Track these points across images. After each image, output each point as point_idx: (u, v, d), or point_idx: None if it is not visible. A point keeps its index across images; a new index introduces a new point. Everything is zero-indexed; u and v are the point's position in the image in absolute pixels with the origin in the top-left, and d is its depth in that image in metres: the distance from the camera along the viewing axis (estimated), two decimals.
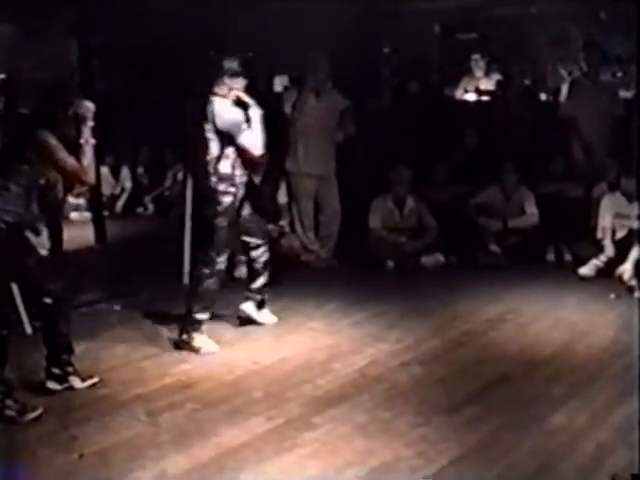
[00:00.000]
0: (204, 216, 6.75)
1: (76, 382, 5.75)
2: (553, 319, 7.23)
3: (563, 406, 5.37)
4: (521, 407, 5.39)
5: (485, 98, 11.65)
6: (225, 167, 6.59)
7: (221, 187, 6.60)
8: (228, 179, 6.59)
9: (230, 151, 6.57)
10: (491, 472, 4.53)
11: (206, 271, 6.62)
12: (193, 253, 7.80)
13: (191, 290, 6.76)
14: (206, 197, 6.72)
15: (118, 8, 10.09)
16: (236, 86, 6.63)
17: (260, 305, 7.13)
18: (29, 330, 6.57)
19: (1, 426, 5.21)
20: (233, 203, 6.65)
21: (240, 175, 6.65)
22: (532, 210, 9.24)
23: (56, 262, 6.57)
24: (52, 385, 5.72)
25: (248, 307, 7.10)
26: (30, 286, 5.73)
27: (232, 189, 6.61)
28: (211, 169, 6.59)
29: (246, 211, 6.85)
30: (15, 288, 6.24)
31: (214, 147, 6.55)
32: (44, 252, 6.40)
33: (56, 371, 5.72)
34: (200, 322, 6.59)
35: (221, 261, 6.65)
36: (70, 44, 9.97)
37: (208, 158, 6.57)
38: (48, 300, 5.59)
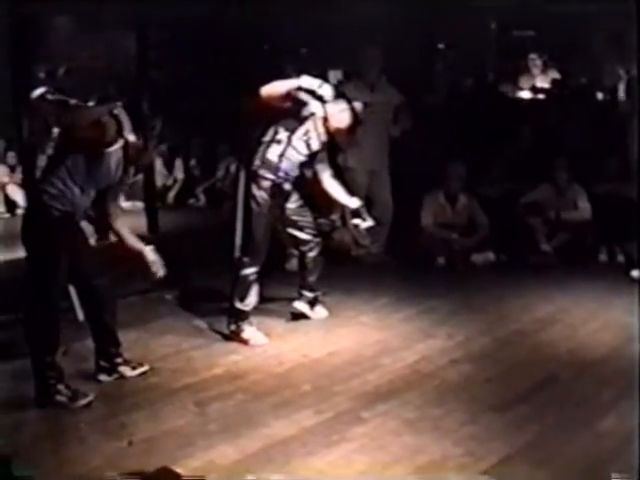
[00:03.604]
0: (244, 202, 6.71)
1: (126, 371, 5.83)
2: (604, 321, 7.14)
3: (613, 409, 5.32)
4: (571, 408, 5.35)
5: (541, 96, 11.56)
6: (272, 154, 6.58)
7: (261, 172, 6.57)
8: (272, 166, 6.58)
9: (284, 136, 6.59)
10: (540, 473, 4.50)
11: (245, 260, 6.62)
12: None
13: (232, 279, 6.74)
14: (246, 181, 6.67)
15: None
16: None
17: (313, 303, 7.12)
18: (81, 317, 6.62)
19: (52, 411, 5.29)
20: (273, 191, 6.59)
21: (287, 169, 6.63)
22: (585, 205, 9.12)
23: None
24: (103, 377, 5.79)
25: (301, 305, 7.09)
26: (77, 279, 5.75)
27: (271, 176, 6.57)
28: (259, 153, 6.60)
29: (292, 204, 6.82)
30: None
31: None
32: (92, 242, 6.48)
33: (105, 364, 5.80)
34: (244, 312, 6.59)
35: (260, 250, 6.61)
36: (127, 36, 10.04)
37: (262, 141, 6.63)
38: (94, 295, 5.66)
